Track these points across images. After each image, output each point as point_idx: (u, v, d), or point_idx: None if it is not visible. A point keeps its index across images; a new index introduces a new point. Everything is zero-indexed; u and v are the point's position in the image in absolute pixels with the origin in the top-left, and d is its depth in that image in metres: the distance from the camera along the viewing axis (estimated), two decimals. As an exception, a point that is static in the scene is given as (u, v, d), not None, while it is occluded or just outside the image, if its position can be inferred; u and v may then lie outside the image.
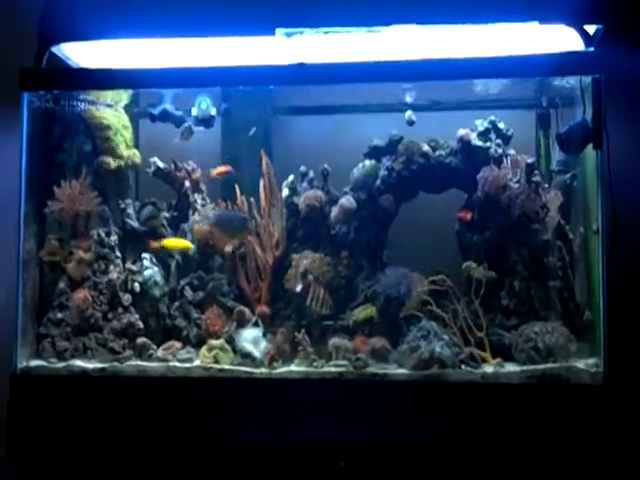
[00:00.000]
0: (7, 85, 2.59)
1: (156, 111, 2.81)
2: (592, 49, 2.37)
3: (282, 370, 2.49)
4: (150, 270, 2.73)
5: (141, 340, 2.62)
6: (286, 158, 2.89)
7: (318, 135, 2.98)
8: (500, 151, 2.69)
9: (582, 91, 2.48)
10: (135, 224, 2.82)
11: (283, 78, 2.53)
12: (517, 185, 2.60)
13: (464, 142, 2.73)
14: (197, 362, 2.55)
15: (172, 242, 2.75)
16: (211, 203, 2.88)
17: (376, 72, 2.46)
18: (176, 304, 2.75)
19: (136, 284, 2.71)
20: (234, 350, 2.57)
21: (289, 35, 2.47)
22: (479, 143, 2.72)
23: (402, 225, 2.80)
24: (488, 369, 2.41)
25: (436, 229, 2.77)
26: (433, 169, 2.75)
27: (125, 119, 2.87)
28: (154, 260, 2.77)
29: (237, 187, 2.81)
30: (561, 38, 2.42)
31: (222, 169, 2.86)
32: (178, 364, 2.54)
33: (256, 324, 2.65)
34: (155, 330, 2.71)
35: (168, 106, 2.81)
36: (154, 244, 2.75)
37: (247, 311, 2.68)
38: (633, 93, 2.67)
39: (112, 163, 2.77)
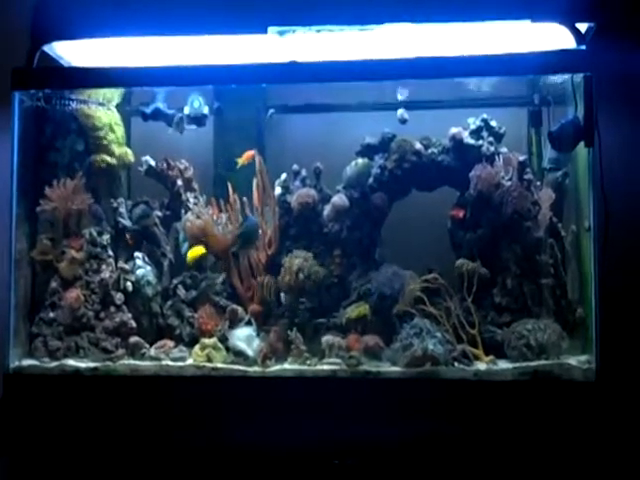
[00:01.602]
0: (-1, 84, 2.59)
1: (148, 110, 2.81)
2: (584, 47, 2.37)
3: (275, 368, 2.48)
4: (142, 269, 2.72)
5: (134, 339, 2.62)
6: (279, 156, 2.89)
7: (311, 133, 2.99)
8: (492, 149, 2.70)
9: (574, 89, 2.48)
10: (127, 223, 2.82)
11: (275, 76, 2.53)
12: (509, 183, 2.61)
13: (456, 140, 2.74)
14: (190, 361, 2.54)
15: (192, 252, 2.73)
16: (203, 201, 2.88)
17: (368, 70, 2.46)
18: (169, 303, 2.75)
19: (128, 283, 2.70)
20: (227, 349, 2.57)
21: (281, 33, 2.47)
22: (471, 141, 2.73)
23: (395, 223, 2.80)
24: (481, 366, 2.41)
25: (429, 227, 2.78)
26: (425, 167, 2.75)
27: (117, 118, 2.86)
28: (146, 259, 2.76)
29: (229, 186, 2.81)
30: (553, 36, 2.43)
31: (247, 156, 2.84)
32: (171, 363, 2.53)
33: (249, 322, 2.65)
34: (148, 329, 2.70)
35: (160, 105, 2.80)
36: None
37: (240, 310, 2.68)
38: (624, 91, 2.68)
39: (107, 160, 2.77)
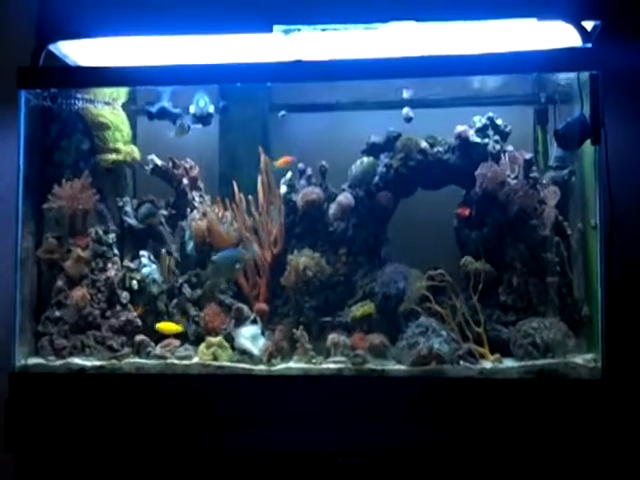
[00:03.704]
0: (5, 83, 2.59)
1: (154, 109, 2.80)
2: (590, 45, 2.37)
3: (281, 367, 2.48)
4: (148, 268, 2.73)
5: (139, 337, 2.62)
6: (284, 155, 2.88)
7: (316, 132, 2.98)
8: (498, 147, 2.69)
9: (580, 87, 2.47)
10: (133, 222, 2.82)
11: (281, 75, 2.53)
12: (515, 181, 2.60)
13: (462, 139, 2.73)
14: (196, 359, 2.54)
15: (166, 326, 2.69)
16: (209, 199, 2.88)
17: (373, 69, 2.46)
18: (174, 301, 2.75)
19: (134, 282, 2.71)
20: (232, 347, 2.57)
21: (287, 32, 2.47)
22: (477, 139, 2.72)
23: (400, 222, 2.80)
24: (486, 365, 2.41)
25: (434, 226, 2.77)
26: (431, 166, 2.75)
27: (123, 117, 2.87)
28: (152, 258, 2.76)
29: (235, 185, 2.81)
30: (559, 34, 2.42)
31: (285, 160, 2.84)
32: (176, 361, 2.54)
33: (254, 321, 2.65)
34: (153, 327, 2.70)
35: (166, 104, 2.80)
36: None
37: (245, 308, 2.68)
38: (631, 89, 2.67)
39: (112, 158, 2.78)
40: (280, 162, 2.83)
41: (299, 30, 2.47)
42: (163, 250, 2.77)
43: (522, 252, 2.58)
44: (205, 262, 2.77)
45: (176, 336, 2.66)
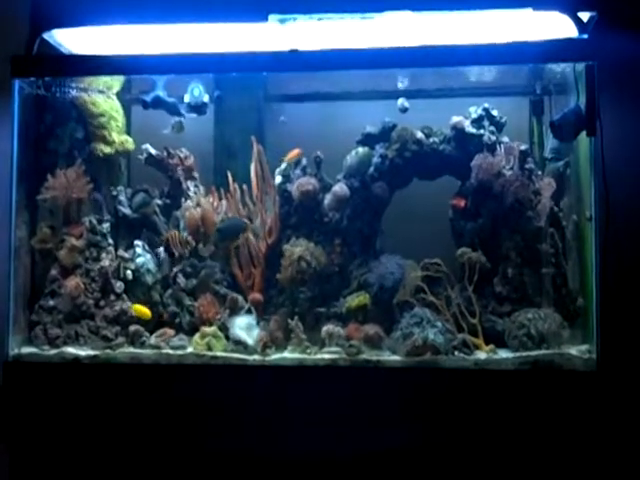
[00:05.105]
0: (-2, 72, 2.58)
1: (148, 98, 2.78)
2: (586, 36, 2.36)
3: (275, 357, 2.49)
4: (142, 257, 2.72)
5: (133, 327, 2.62)
6: (279, 145, 2.87)
7: (311, 122, 2.97)
8: (493, 138, 2.69)
9: (576, 78, 2.47)
10: (127, 211, 2.81)
11: (276, 65, 2.52)
12: (510, 172, 2.60)
13: (458, 129, 2.73)
14: (190, 349, 2.54)
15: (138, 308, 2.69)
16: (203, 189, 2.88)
17: (369, 59, 2.45)
18: (169, 291, 2.74)
19: (128, 271, 2.70)
20: (227, 337, 2.57)
21: (282, 21, 2.46)
22: (473, 130, 2.72)
23: (395, 212, 2.79)
24: (481, 356, 2.41)
25: (429, 216, 2.77)
26: (426, 156, 2.75)
27: (117, 106, 2.86)
28: (146, 247, 2.76)
29: (229, 174, 2.80)
30: (555, 25, 2.42)
31: (294, 153, 2.84)
32: (171, 351, 2.53)
33: (249, 311, 2.65)
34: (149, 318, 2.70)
35: (160, 93, 2.78)
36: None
37: (240, 298, 2.68)
38: (626, 80, 2.67)
39: (105, 149, 2.77)
40: (289, 157, 2.82)
41: (295, 19, 2.46)
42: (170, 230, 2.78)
43: (517, 243, 2.58)
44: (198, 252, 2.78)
45: (171, 326, 2.66)
